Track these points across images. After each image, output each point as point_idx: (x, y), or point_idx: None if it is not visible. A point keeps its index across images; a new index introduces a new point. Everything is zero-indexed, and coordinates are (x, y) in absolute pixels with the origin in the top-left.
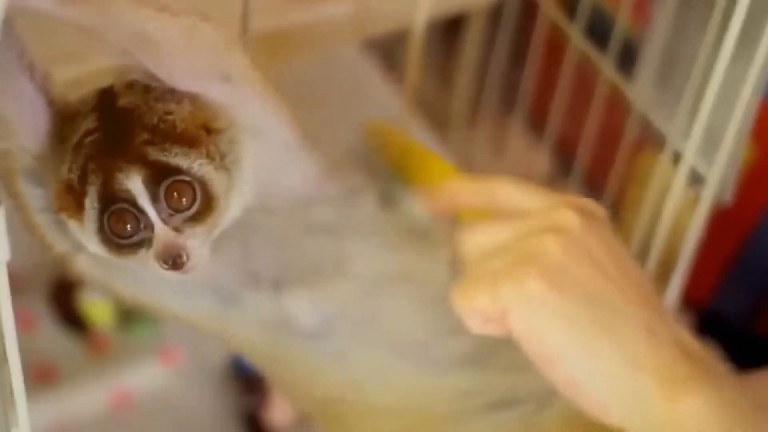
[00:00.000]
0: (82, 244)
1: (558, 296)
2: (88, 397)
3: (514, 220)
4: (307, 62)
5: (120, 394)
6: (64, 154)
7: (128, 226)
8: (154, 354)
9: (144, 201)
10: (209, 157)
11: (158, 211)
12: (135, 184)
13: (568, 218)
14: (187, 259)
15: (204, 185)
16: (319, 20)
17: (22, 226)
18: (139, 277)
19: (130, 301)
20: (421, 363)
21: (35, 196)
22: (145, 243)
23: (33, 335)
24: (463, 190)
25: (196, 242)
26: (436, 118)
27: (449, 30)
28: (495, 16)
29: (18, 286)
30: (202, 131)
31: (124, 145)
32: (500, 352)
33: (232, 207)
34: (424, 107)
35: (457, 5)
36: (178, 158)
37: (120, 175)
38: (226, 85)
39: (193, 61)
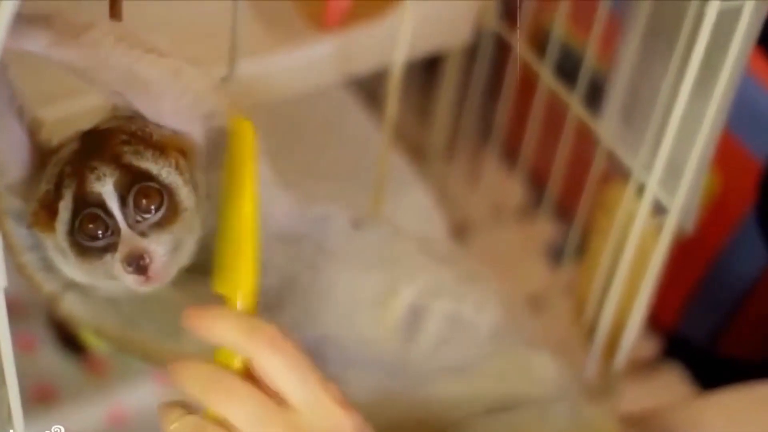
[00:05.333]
0: (69, 283)
1: None
2: (85, 415)
3: None
4: (291, 99)
5: (115, 412)
6: (43, 177)
7: (98, 231)
8: (148, 374)
9: (113, 204)
10: (179, 170)
11: (125, 216)
12: (106, 187)
13: None
14: (150, 262)
15: (171, 193)
16: (304, 60)
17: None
18: (127, 316)
19: (116, 341)
20: (413, 377)
21: (22, 236)
22: (111, 248)
23: (33, 357)
24: (232, 326)
25: (159, 248)
26: (415, 150)
27: (428, 68)
28: (471, 55)
29: (19, 311)
30: (177, 152)
31: (102, 146)
32: (486, 362)
33: (197, 235)
34: (403, 141)
35: (434, 45)
36: (150, 163)
37: (92, 177)
38: (209, 125)
39: (179, 100)
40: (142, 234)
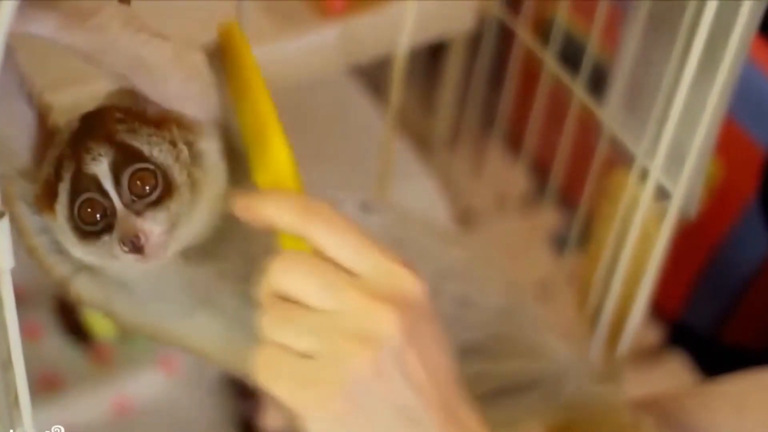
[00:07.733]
0: (81, 266)
1: (361, 418)
2: (91, 403)
3: (332, 304)
4: (295, 86)
5: (121, 401)
6: (46, 159)
7: (97, 215)
8: (154, 363)
9: (108, 184)
10: (172, 144)
11: (120, 196)
12: (101, 167)
13: (387, 327)
14: (146, 241)
15: (164, 172)
16: (307, 47)
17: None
18: (137, 298)
19: (127, 323)
20: None
21: (33, 218)
22: (109, 228)
23: (39, 345)
24: (283, 207)
25: (155, 227)
26: (419, 138)
27: (432, 56)
28: (474, 42)
29: (24, 299)
30: (173, 124)
31: (98, 126)
32: (494, 342)
33: (200, 210)
34: (407, 128)
35: (438, 32)
36: (143, 142)
37: (88, 158)
38: (211, 108)
39: (185, 85)
40: (138, 213)
